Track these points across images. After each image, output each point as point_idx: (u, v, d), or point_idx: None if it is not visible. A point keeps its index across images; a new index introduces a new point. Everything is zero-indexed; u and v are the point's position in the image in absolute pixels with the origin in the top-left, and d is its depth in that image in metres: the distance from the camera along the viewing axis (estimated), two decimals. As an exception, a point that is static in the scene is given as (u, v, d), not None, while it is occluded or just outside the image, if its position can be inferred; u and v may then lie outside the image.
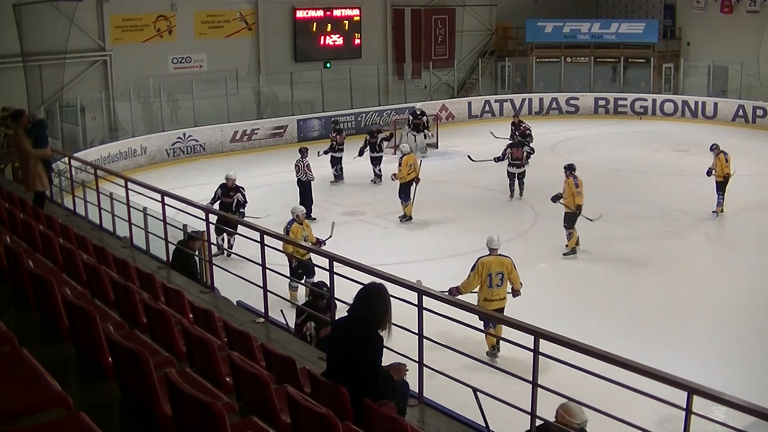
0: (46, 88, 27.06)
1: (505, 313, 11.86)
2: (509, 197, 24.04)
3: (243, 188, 19.39)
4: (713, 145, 22.08)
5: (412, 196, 21.35)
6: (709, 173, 21.68)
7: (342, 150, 25.69)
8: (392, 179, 21.65)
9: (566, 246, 18.75)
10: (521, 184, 24.07)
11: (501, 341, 7.80)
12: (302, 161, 22.26)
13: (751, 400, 5.69)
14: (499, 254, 13.49)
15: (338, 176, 25.42)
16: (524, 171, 23.93)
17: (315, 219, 21.16)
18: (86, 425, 3.57)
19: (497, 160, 24.08)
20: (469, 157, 25.67)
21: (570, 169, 19.11)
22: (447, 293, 8.48)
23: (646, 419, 6.71)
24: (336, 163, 25.99)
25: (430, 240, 19.46)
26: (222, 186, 19.30)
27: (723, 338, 14.64)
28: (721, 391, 5.81)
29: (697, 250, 18.36)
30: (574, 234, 18.70)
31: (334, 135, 26.05)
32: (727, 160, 21.49)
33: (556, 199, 19.18)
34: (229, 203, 19.03)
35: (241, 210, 18.79)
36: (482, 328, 11.26)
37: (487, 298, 13.10)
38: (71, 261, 8.68)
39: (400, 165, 21.55)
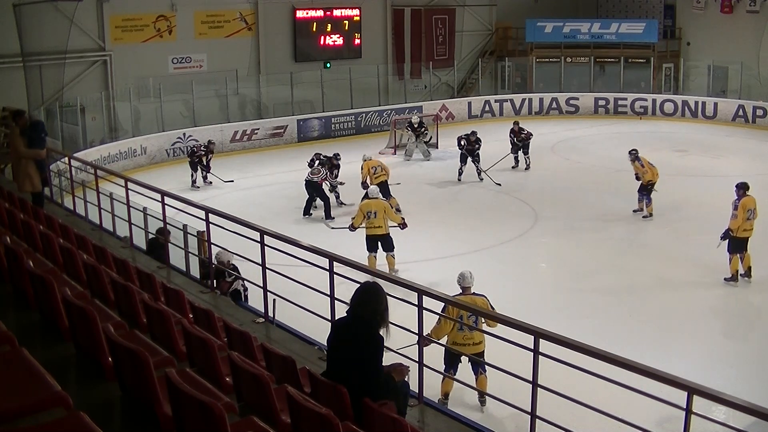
0: (46, 88, 27.03)
1: (504, 312, 10.88)
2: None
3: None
4: (631, 151, 22.11)
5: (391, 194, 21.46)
6: (637, 178, 21.73)
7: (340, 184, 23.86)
8: (362, 187, 21.46)
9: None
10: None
11: (502, 340, 7.50)
12: (322, 169, 22.31)
13: (752, 400, 5.70)
14: (473, 293, 11.53)
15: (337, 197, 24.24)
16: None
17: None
18: (86, 425, 3.57)
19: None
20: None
21: (743, 188, 16.93)
22: (416, 344, 7.95)
23: (646, 419, 6.72)
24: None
25: (430, 241, 19.45)
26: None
27: (723, 338, 14.67)
28: (721, 391, 5.81)
29: (698, 250, 18.33)
30: (735, 259, 16.79)
31: (334, 173, 23.50)
32: (642, 166, 21.51)
33: (725, 236, 16.85)
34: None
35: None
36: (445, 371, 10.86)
37: (456, 341, 11.15)
38: (71, 261, 8.68)
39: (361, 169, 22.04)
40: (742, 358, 13.48)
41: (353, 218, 17.95)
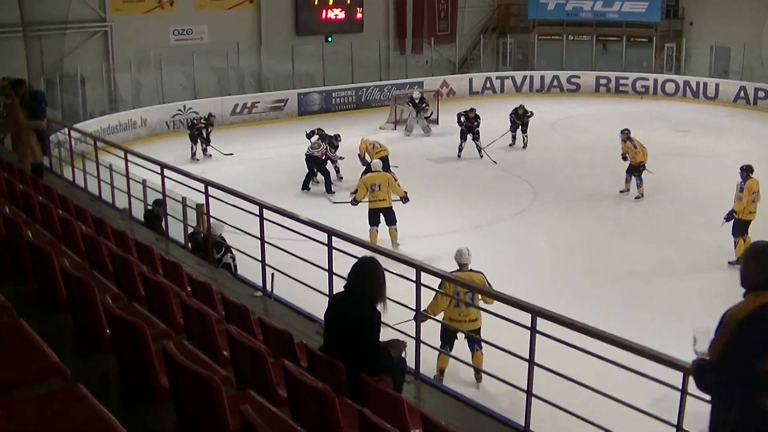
0: (46, 59, 26.96)
1: (502, 290, 10.53)
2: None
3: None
4: (623, 130, 22.00)
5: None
6: (624, 158, 21.67)
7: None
8: (361, 163, 21.65)
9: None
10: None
11: (499, 318, 7.52)
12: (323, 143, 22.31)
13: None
14: (470, 270, 11.47)
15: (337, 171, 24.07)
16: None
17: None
18: (84, 397, 3.58)
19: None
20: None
21: (747, 171, 16.91)
22: (413, 320, 7.93)
23: (642, 399, 6.74)
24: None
25: (428, 216, 19.45)
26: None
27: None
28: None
29: (699, 232, 18.34)
30: (740, 243, 16.52)
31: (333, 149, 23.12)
32: (635, 147, 21.42)
33: (729, 217, 16.91)
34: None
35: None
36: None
37: (452, 318, 11.16)
38: (70, 232, 8.68)
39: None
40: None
41: (354, 193, 17.97)
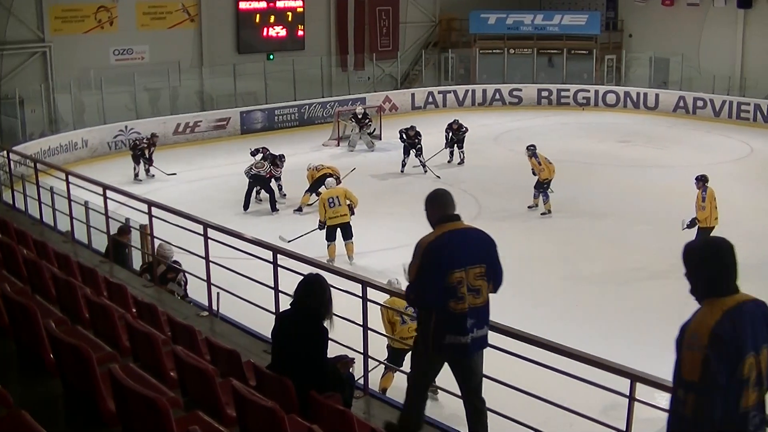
0: (-16, 81, 26.64)
1: None
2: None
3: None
4: (529, 146, 21.99)
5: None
6: (534, 173, 21.60)
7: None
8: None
9: None
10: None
11: None
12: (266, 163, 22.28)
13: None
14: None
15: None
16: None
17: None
18: (27, 423, 3.53)
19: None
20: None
21: (704, 181, 17.08)
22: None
23: (592, 407, 6.78)
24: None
25: (375, 232, 19.46)
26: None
27: (671, 326, 14.81)
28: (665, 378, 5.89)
29: (646, 237, 18.59)
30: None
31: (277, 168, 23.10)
32: (539, 163, 21.32)
33: (693, 224, 17.07)
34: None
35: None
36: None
37: (403, 336, 10.93)
38: (11, 256, 8.57)
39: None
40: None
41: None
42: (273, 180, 22.58)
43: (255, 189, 22.35)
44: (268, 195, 22.24)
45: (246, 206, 22.03)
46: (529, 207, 21.93)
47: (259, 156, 22.79)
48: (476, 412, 6.59)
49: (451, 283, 6.22)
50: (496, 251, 6.71)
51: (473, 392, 6.56)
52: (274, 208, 21.92)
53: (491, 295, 6.57)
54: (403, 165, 26.21)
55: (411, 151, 26.02)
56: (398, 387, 11.33)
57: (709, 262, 4.77)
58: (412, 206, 22.05)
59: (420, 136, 25.98)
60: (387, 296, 9.67)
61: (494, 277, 6.56)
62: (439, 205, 6.88)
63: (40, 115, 29.30)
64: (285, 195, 23.02)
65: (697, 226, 16.80)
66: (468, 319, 6.28)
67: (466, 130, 27.55)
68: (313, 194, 21.74)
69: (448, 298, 6.22)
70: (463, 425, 7.02)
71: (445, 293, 6.21)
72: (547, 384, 6.90)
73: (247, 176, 22.11)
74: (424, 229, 6.71)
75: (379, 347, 9.49)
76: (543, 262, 17.88)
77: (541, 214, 21.51)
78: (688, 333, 4.58)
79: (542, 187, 21.47)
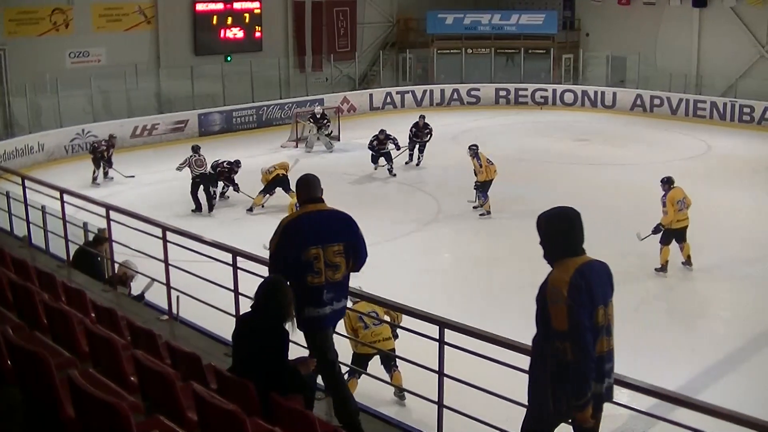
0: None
1: (409, 303, 10.26)
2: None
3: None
4: (471, 146, 21.99)
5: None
6: (475, 173, 21.58)
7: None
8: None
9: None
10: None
11: (408, 331, 7.52)
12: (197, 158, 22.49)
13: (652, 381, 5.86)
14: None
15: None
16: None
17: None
18: (-14, 430, 3.51)
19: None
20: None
21: (668, 183, 17.14)
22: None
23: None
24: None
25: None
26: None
27: (621, 323, 14.91)
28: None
29: (609, 237, 18.71)
30: (665, 250, 17.03)
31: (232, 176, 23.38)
32: (480, 165, 21.27)
33: (657, 230, 17.09)
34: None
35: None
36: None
37: (366, 341, 11.03)
38: (-33, 262, 8.48)
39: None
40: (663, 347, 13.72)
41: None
42: (225, 182, 22.78)
43: (198, 187, 22.32)
44: (217, 193, 22.62)
45: (199, 207, 22.16)
46: (474, 207, 21.86)
47: (198, 156, 22.63)
48: (342, 399, 6.95)
49: (307, 258, 6.62)
50: (357, 231, 7.03)
51: (330, 366, 6.93)
52: (211, 209, 22.18)
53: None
54: (375, 169, 26.45)
55: (378, 159, 26.11)
56: (362, 393, 11.39)
57: (561, 227, 5.98)
58: (370, 206, 22.41)
59: (390, 137, 25.98)
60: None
61: (354, 255, 6.92)
62: (306, 188, 7.17)
63: (-6, 119, 29.00)
64: (228, 197, 23.25)
65: (661, 231, 16.95)
66: (325, 293, 6.68)
67: (430, 133, 27.42)
68: (267, 195, 21.97)
69: (306, 272, 6.62)
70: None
71: (302, 267, 6.62)
72: (509, 384, 6.92)
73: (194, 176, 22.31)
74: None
75: (343, 352, 9.48)
76: (501, 261, 17.96)
77: (480, 215, 21.51)
78: (549, 290, 5.57)
79: (482, 188, 21.43)
